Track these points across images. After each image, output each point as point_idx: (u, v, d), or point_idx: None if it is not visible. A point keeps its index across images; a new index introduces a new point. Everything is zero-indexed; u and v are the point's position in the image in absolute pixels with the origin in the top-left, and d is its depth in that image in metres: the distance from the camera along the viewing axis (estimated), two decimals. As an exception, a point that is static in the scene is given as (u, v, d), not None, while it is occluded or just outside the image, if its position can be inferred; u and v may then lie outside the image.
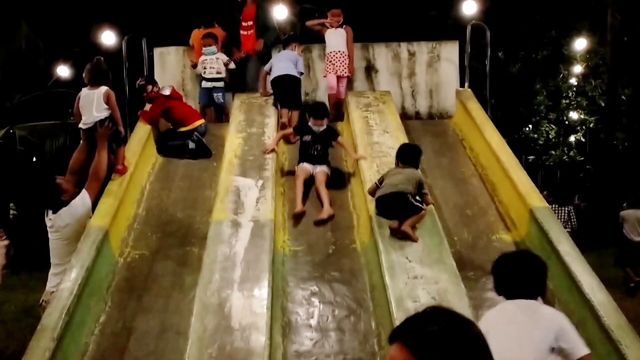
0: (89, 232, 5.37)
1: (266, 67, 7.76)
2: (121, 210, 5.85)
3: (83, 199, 5.46)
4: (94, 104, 5.79)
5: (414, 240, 5.17)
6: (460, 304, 4.54)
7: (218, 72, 8.17)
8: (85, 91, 5.91)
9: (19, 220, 19.15)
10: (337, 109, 8.08)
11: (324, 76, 8.27)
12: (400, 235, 5.18)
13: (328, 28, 8.30)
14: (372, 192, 5.54)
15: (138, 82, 7.53)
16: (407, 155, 5.60)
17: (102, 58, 6.18)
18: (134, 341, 4.77)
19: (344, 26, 8.26)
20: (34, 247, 13.84)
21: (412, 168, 5.51)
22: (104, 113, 5.82)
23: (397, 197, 5.24)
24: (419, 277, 4.80)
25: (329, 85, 8.14)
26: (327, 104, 7.61)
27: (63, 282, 4.83)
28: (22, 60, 16.13)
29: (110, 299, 5.17)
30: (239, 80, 8.42)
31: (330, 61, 8.14)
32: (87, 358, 4.64)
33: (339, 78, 8.12)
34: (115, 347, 4.72)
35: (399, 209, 5.26)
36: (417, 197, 5.33)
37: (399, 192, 5.24)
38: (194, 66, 8.37)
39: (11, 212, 19.61)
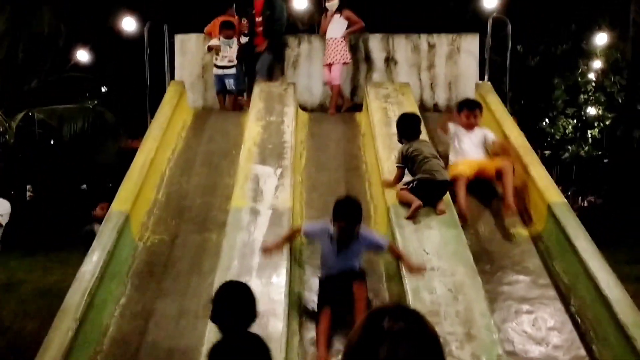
0: (110, 216, 5.47)
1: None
2: (141, 195, 5.94)
3: None
4: None
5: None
6: (477, 297, 4.57)
7: (230, 60, 8.29)
8: None
9: (36, 202, 19.42)
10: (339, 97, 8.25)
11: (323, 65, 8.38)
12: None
13: (327, 16, 8.31)
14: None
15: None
16: (415, 128, 5.76)
17: None
18: (153, 324, 4.85)
19: (342, 11, 8.21)
20: (50, 229, 14.09)
21: (423, 140, 5.81)
22: None
23: (445, 185, 5.53)
24: (435, 269, 4.82)
25: (324, 78, 8.32)
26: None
27: (85, 265, 4.92)
28: (43, 44, 16.25)
29: (131, 282, 5.26)
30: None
31: (326, 50, 8.22)
32: (107, 339, 4.73)
33: (332, 65, 8.16)
34: (135, 329, 4.80)
35: (440, 195, 5.51)
36: None
37: (446, 181, 5.52)
38: (210, 49, 8.39)
39: (28, 193, 19.89)
